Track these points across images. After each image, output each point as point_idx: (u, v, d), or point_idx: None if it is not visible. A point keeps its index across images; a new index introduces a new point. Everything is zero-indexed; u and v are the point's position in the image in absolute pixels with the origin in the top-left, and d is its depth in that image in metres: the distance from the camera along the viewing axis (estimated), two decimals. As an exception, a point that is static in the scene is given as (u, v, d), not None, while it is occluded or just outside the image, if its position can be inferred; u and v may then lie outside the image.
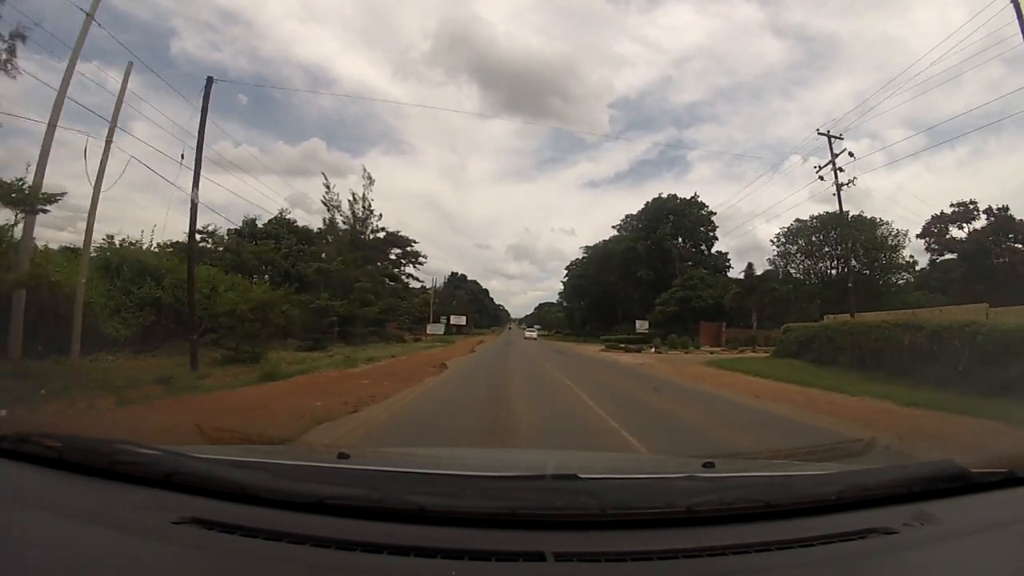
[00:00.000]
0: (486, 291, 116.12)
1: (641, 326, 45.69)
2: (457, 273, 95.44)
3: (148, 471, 1.25)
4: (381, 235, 40.62)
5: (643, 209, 57.64)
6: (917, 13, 78.44)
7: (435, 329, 48.18)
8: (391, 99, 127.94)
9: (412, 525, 1.10)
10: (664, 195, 57.16)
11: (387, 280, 43.26)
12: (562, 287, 78.74)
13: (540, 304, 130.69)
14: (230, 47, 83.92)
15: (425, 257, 51.23)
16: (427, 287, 59.07)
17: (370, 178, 38.92)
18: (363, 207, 38.28)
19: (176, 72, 70.46)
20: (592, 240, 68.07)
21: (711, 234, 55.69)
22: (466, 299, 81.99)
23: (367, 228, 38.91)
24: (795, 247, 49.76)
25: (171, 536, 1.06)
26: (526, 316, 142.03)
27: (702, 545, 1.08)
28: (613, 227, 61.84)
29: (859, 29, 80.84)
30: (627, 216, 60.80)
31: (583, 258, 65.81)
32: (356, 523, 1.11)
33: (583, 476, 1.38)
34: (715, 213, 53.74)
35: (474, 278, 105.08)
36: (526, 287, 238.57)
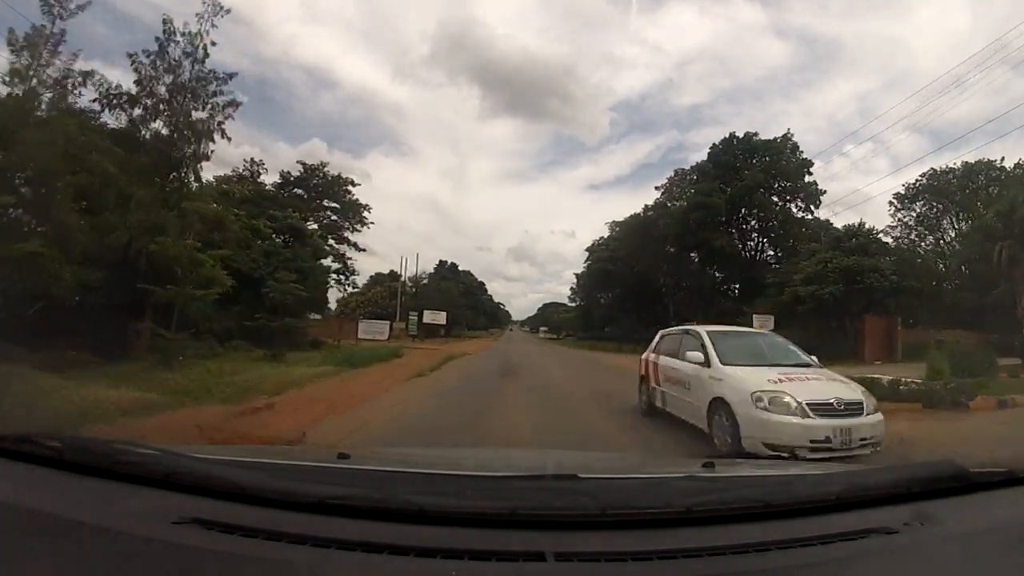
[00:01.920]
0: (483, 285, 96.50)
1: (763, 323, 24.13)
2: (446, 262, 78.20)
3: (148, 471, 1.25)
4: (221, 106, 16.06)
5: (711, 154, 38.25)
6: (919, 15, 77.82)
7: (373, 330, 27.56)
8: (392, 100, 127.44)
9: (412, 525, 1.11)
10: (739, 134, 37.56)
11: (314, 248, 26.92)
12: (575, 280, 63.92)
13: (545, 304, 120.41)
14: (232, 48, 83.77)
15: (369, 209, 37.38)
16: (398, 274, 45.98)
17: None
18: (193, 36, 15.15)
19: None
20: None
21: (815, 188, 35.52)
22: (456, 293, 64.45)
23: (177, 74, 15.08)
24: (925, 209, 35.21)
25: (171, 536, 1.06)
26: (528, 318, 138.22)
27: (702, 545, 1.09)
28: (657, 187, 43.83)
29: (862, 31, 79.96)
30: (678, 171, 43.35)
31: (610, 236, 48.12)
32: (356, 523, 1.11)
33: (583, 476, 1.39)
34: (812, 163, 35.62)
35: (470, 274, 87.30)
36: (526, 289, 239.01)
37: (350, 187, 38.21)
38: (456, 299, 61.83)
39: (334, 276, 37.53)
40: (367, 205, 38.81)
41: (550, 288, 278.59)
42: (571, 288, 69.99)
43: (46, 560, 0.99)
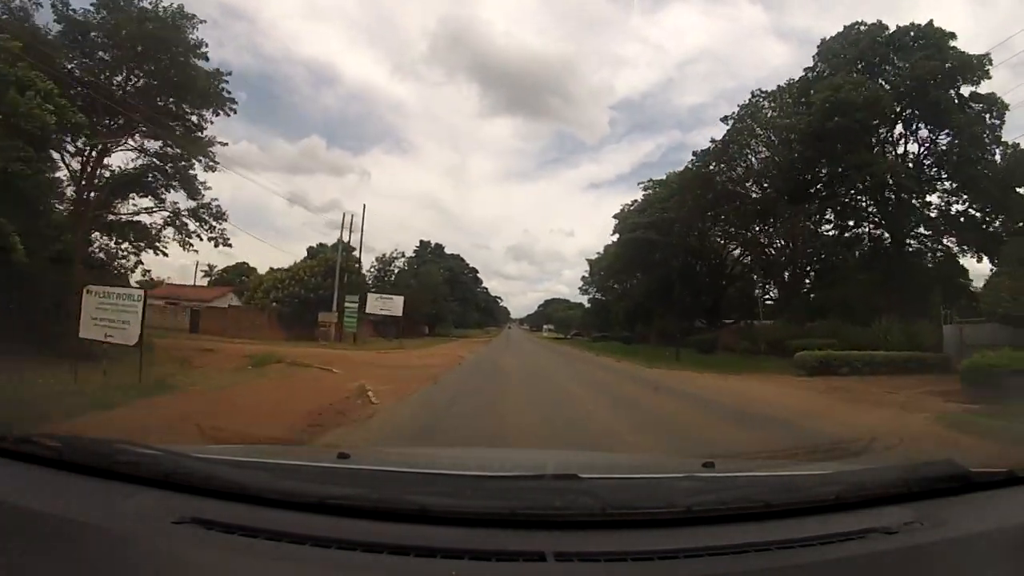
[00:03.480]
0: (476, 273, 78.48)
1: None
2: (430, 243, 62.81)
3: (148, 471, 1.25)
4: None
5: (821, 52, 25.61)
6: (920, 16, 76.14)
7: (109, 316, 9.25)
8: (392, 98, 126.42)
9: (412, 525, 1.11)
10: (862, 23, 24.49)
11: None
12: (584, 271, 54.22)
13: (547, 301, 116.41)
14: (233, 43, 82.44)
15: (225, 78, 20.24)
16: (351, 247, 30.36)
17: None
18: None
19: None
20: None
21: (997, 100, 22.06)
22: (439, 279, 50.56)
23: None
24: None
25: (171, 536, 1.06)
26: (528, 316, 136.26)
27: (702, 545, 1.09)
28: (724, 119, 28.75)
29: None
30: (755, 93, 28.59)
31: (645, 200, 36.22)
32: (356, 523, 1.11)
33: (583, 476, 1.39)
34: (989, 62, 21.72)
35: (461, 259, 71.58)
36: (525, 288, 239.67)
37: (189, 24, 19.28)
38: (439, 287, 48.25)
39: (157, 212, 20.76)
40: (218, 73, 20.49)
41: (549, 287, 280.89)
42: (582, 278, 58.09)
43: (46, 560, 0.99)
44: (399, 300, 30.89)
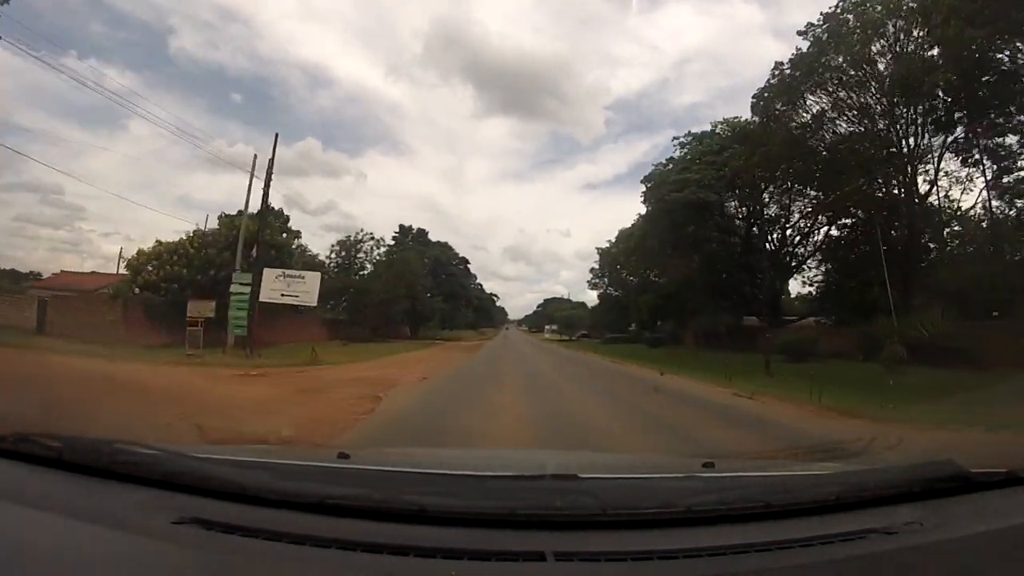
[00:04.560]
0: (467, 264, 63.05)
1: None
2: (411, 228, 50.94)
3: (148, 471, 1.25)
4: None
5: None
6: None
7: None
8: (387, 100, 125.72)
9: (412, 525, 1.11)
10: None
11: None
12: (593, 263, 48.00)
13: (546, 300, 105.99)
14: (228, 45, 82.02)
15: None
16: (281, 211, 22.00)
17: None
18: None
19: (175, 70, 69.13)
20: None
21: None
22: (421, 269, 40.15)
23: None
24: None
25: (171, 536, 1.06)
26: (526, 316, 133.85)
27: (702, 545, 1.09)
28: (801, 33, 20.11)
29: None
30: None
31: (682, 160, 28.04)
32: (356, 523, 1.11)
33: (583, 476, 1.39)
34: None
35: (449, 247, 57.54)
36: (523, 289, 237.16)
37: None
38: (420, 278, 38.88)
39: None
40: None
41: (547, 287, 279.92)
42: (591, 271, 50.56)
43: (46, 560, 0.99)
44: (313, 278, 19.97)
